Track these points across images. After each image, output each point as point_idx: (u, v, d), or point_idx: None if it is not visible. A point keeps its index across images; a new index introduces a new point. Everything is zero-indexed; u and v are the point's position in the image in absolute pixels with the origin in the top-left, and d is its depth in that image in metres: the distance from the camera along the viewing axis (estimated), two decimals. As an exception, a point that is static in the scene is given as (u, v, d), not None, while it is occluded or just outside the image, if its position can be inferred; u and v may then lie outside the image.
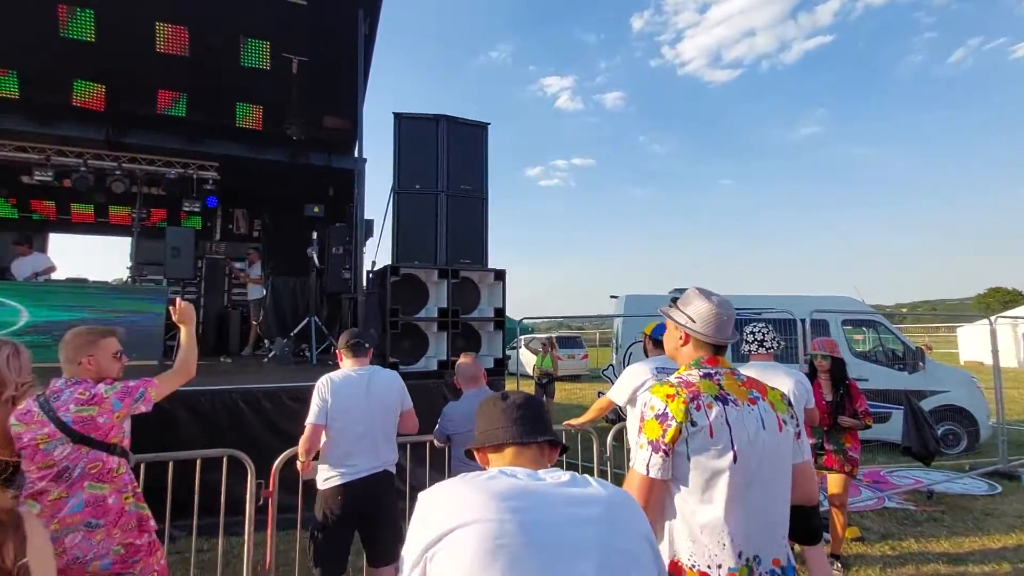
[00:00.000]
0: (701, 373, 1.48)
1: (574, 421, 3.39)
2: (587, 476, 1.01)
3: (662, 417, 1.40)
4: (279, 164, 7.96)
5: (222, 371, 6.07)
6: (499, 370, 5.75)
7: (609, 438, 3.88)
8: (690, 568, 1.36)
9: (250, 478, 3.04)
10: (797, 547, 3.07)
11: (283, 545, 3.37)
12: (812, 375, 3.93)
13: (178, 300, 2.40)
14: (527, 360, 13.45)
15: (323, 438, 2.64)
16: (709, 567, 1.35)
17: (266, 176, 8.57)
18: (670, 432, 1.38)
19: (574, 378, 16.44)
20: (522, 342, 15.18)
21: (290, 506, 3.28)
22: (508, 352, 6.25)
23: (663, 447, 1.38)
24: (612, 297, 9.58)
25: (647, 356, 3.22)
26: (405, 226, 5.71)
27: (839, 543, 3.81)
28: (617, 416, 5.98)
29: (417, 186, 5.78)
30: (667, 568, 1.39)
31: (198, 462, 3.03)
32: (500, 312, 5.86)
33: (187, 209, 8.20)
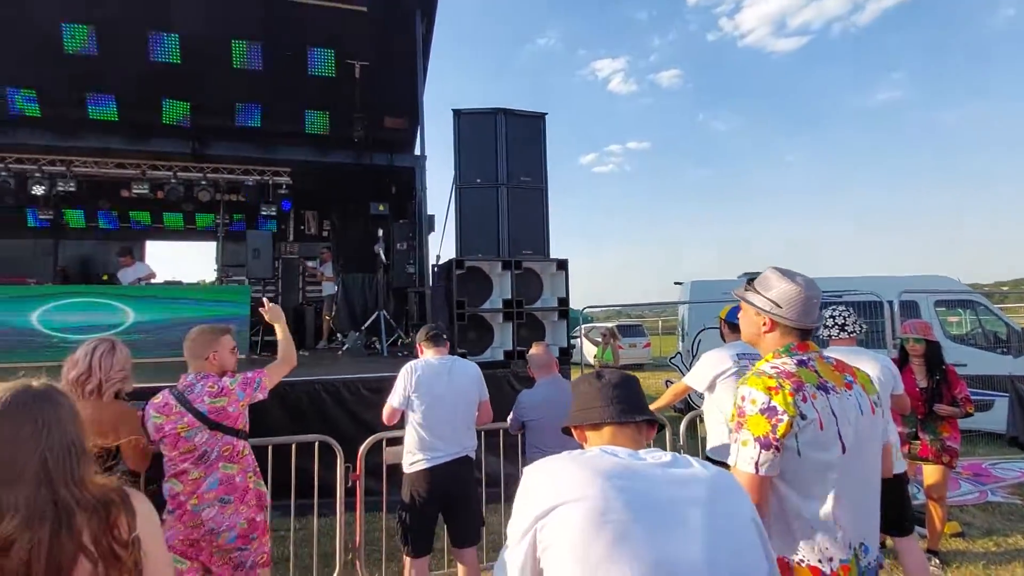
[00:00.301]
0: (795, 361, 1.41)
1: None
2: (688, 457, 1.02)
3: (769, 411, 1.33)
4: (345, 166, 8.29)
5: (301, 364, 6.44)
6: (564, 359, 5.78)
7: (682, 427, 3.82)
8: (798, 564, 1.31)
9: (339, 462, 3.26)
10: (889, 541, 2.92)
11: (366, 525, 3.58)
12: (903, 360, 3.69)
13: (265, 301, 2.59)
14: (588, 350, 13.37)
15: (401, 422, 2.78)
16: (820, 561, 1.30)
17: (333, 178, 8.98)
18: (781, 427, 1.31)
19: (637, 367, 16.17)
20: (583, 331, 15.07)
21: (374, 489, 3.48)
22: (572, 341, 6.26)
23: (774, 443, 1.31)
24: (676, 284, 9.36)
25: (724, 341, 3.15)
26: (468, 220, 5.83)
27: (937, 538, 3.58)
28: (686, 405, 5.86)
29: (478, 180, 5.88)
30: None
31: (293, 447, 3.27)
32: (564, 301, 5.89)
33: (264, 213, 8.73)
